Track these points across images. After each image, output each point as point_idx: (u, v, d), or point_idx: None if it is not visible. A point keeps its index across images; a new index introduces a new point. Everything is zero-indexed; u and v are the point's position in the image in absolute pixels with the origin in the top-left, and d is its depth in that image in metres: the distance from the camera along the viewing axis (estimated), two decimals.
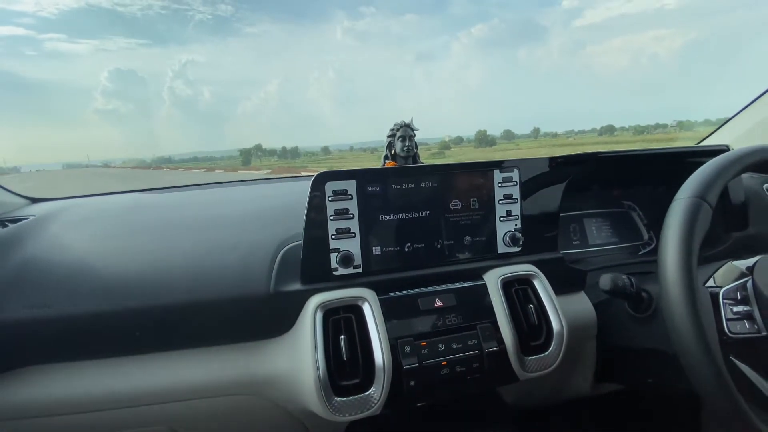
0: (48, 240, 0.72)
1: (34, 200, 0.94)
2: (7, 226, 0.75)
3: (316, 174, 0.66)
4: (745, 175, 0.91)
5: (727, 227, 0.88)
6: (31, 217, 0.78)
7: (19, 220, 0.77)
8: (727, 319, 0.53)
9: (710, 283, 0.59)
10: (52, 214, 0.80)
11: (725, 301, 0.55)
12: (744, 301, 0.54)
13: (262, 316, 0.66)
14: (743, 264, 0.59)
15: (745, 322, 0.53)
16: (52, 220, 0.77)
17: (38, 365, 0.63)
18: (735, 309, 0.54)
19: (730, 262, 0.60)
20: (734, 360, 0.53)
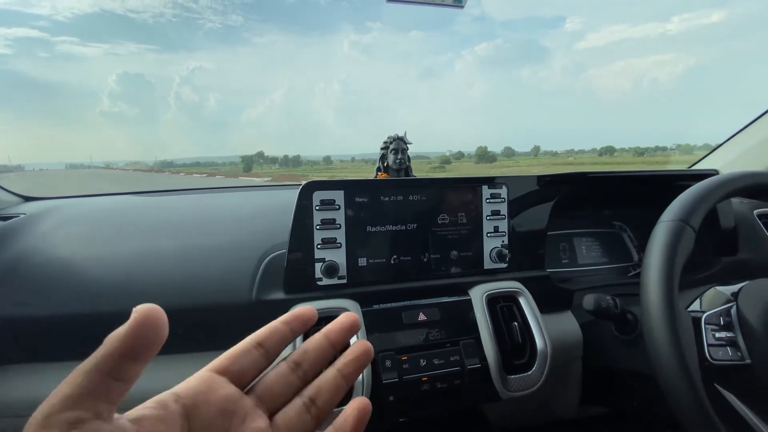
0: (36, 239, 0.72)
1: (27, 198, 0.94)
2: None
3: (303, 183, 0.66)
4: (735, 200, 0.91)
5: (716, 252, 0.88)
6: (21, 216, 0.78)
7: (10, 217, 0.77)
8: (709, 345, 0.53)
9: (694, 307, 0.59)
10: (42, 213, 0.80)
11: (707, 326, 0.54)
12: (727, 327, 0.54)
13: (244, 324, 0.65)
14: (728, 290, 0.58)
15: (728, 348, 0.52)
16: (41, 219, 0.77)
17: (17, 364, 0.63)
18: (717, 335, 0.53)
19: (714, 288, 0.60)
20: (718, 387, 0.53)
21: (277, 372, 0.27)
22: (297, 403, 0.27)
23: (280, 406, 0.26)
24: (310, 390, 0.27)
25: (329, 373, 0.28)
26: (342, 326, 0.29)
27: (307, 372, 0.28)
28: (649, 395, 0.72)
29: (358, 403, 0.27)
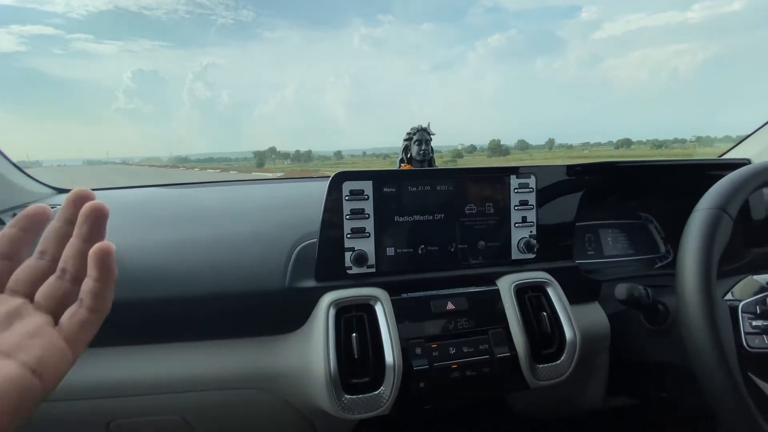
0: None
1: (60, 190, 0.97)
2: None
3: (333, 174, 0.67)
4: (766, 190, 0.89)
5: (747, 242, 0.86)
6: (58, 207, 0.81)
7: None
8: (746, 333, 0.52)
9: (729, 296, 0.58)
10: None
11: (744, 314, 0.54)
12: (763, 315, 0.53)
13: (276, 312, 0.67)
14: (763, 279, 0.58)
15: (764, 336, 0.52)
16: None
17: None
18: (754, 323, 0.53)
19: (750, 277, 0.59)
20: (752, 376, 0.52)
21: (24, 265, 0.30)
22: (50, 278, 0.30)
23: (37, 287, 0.29)
24: (59, 263, 0.30)
25: (71, 243, 0.30)
26: (68, 203, 0.31)
27: (54, 254, 0.30)
28: (677, 386, 0.72)
29: (96, 247, 0.29)
